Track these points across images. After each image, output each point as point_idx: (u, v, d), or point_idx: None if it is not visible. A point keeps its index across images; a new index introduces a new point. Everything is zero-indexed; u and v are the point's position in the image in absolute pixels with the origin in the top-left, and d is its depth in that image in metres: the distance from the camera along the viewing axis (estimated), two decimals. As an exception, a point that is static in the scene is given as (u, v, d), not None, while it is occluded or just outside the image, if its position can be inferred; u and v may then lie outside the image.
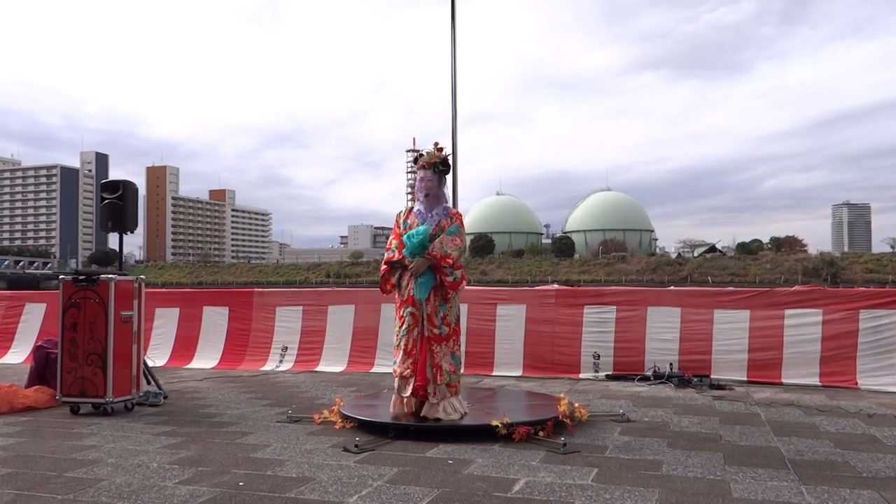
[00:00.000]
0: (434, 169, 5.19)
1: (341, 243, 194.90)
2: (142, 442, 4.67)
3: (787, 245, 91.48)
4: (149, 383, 6.46)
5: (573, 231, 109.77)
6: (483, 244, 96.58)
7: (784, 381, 7.02)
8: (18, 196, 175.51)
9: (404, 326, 5.05)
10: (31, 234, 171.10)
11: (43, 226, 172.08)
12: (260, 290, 9.61)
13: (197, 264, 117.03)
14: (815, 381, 6.94)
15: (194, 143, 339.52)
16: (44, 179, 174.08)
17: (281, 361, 8.60)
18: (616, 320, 7.75)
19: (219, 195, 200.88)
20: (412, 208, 5.29)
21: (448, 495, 3.43)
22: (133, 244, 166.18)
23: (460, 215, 5.30)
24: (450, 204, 5.32)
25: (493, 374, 7.82)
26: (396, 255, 5.10)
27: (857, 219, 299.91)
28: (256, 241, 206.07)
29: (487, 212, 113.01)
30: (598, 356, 7.64)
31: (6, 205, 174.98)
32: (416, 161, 5.28)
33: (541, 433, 4.62)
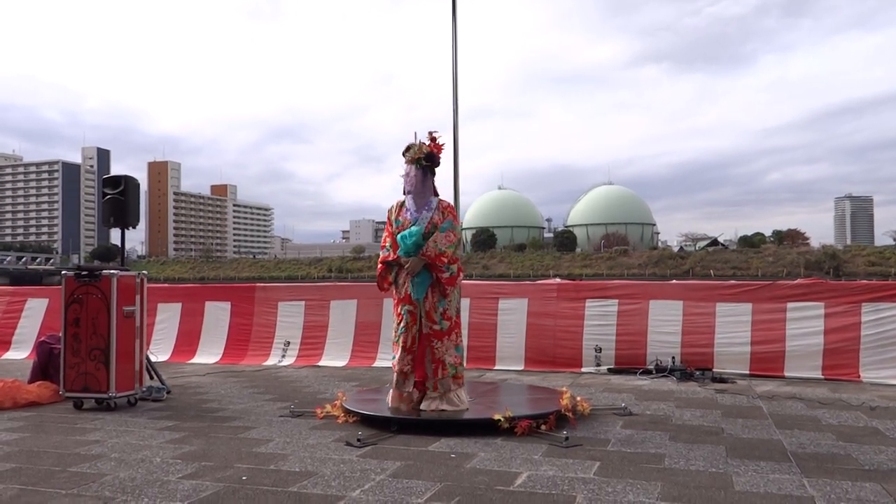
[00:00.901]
0: (418, 165, 5.14)
1: (343, 238, 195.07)
2: (145, 437, 4.68)
3: (790, 238, 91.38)
4: (151, 378, 6.47)
5: (575, 225, 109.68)
6: (485, 238, 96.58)
7: (786, 374, 7.02)
8: (20, 192, 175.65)
9: (402, 324, 5.08)
10: (33, 230, 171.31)
11: (45, 221, 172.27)
12: (262, 284, 9.61)
13: (199, 259, 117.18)
14: (818, 374, 6.94)
15: (195, 139, 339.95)
16: (45, 175, 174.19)
17: (283, 356, 8.61)
18: (618, 314, 7.75)
19: (220, 190, 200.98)
20: (403, 203, 5.26)
21: (450, 489, 3.44)
22: (135, 239, 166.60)
23: (453, 208, 5.28)
24: (440, 196, 5.27)
25: (495, 368, 7.83)
26: (392, 254, 5.12)
27: (859, 212, 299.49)
28: (258, 237, 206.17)
29: (489, 206, 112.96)
30: (600, 350, 7.65)
31: (8, 200, 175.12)
32: (404, 154, 5.20)
33: (543, 427, 4.63)
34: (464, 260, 5.30)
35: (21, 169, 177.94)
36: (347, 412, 5.08)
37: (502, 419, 4.59)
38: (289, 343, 8.68)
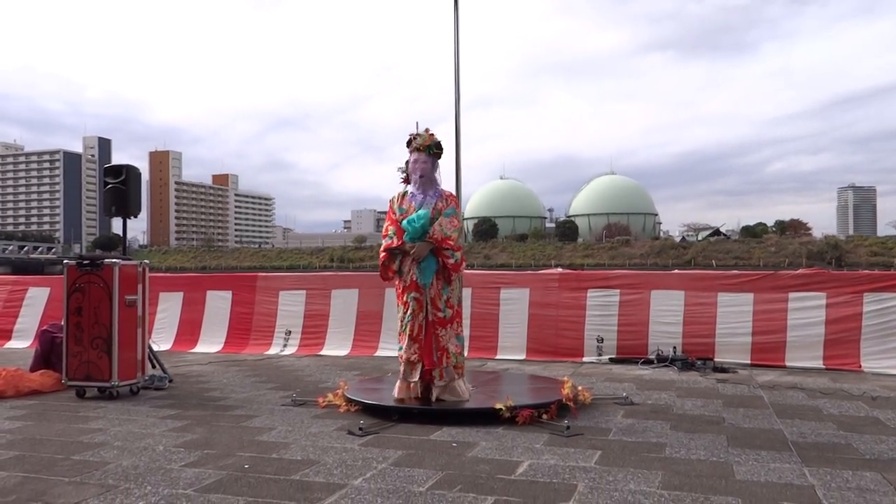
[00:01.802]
0: (428, 152, 5.17)
1: (344, 228, 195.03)
2: (148, 425, 4.70)
3: (792, 228, 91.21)
4: (154, 367, 6.49)
5: (577, 215, 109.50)
6: (486, 228, 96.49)
7: (788, 364, 7.03)
8: (22, 181, 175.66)
9: (409, 312, 5.05)
10: (34, 220, 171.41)
11: (47, 211, 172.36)
12: (263, 274, 9.62)
13: (200, 249, 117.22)
14: (819, 364, 6.95)
15: (197, 128, 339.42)
16: (47, 164, 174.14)
17: (285, 345, 8.63)
18: (619, 304, 7.75)
19: (222, 180, 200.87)
20: (405, 192, 5.26)
21: (452, 477, 3.45)
22: (137, 229, 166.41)
23: (455, 197, 5.30)
24: (443, 186, 5.29)
25: (497, 357, 7.85)
26: (396, 241, 5.09)
27: (862, 202, 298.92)
28: (260, 226, 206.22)
29: (491, 196, 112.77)
30: (602, 340, 7.66)
31: (10, 190, 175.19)
32: (408, 144, 5.23)
33: (544, 416, 4.64)
34: (465, 250, 5.30)
35: (22, 158, 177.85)
36: (349, 401, 5.10)
37: (504, 408, 4.61)
38: (290, 332, 8.70)
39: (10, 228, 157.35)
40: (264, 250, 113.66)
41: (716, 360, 7.09)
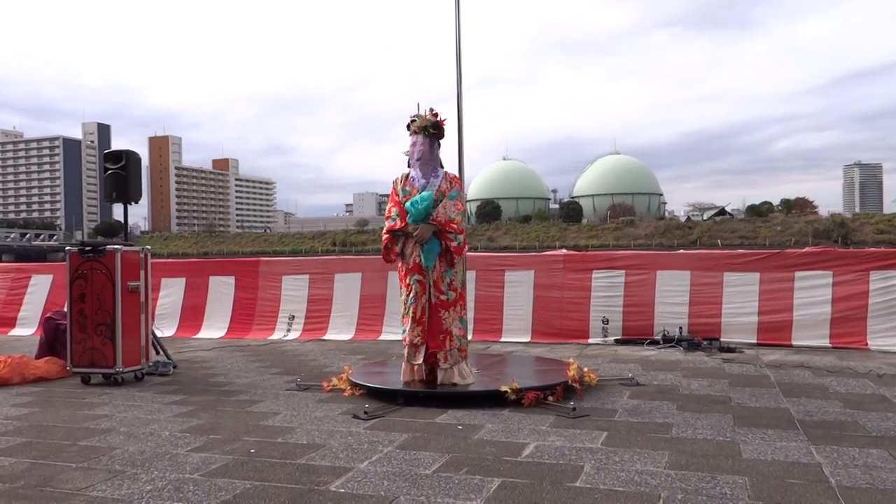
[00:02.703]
0: (425, 133, 5.15)
1: (346, 211, 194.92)
2: (153, 411, 4.73)
3: (798, 207, 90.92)
4: (158, 353, 6.52)
5: (581, 196, 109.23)
6: (489, 210, 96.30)
7: (794, 343, 7.04)
8: (22, 168, 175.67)
9: (412, 294, 5.06)
10: (35, 207, 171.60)
11: (47, 198, 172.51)
12: (266, 259, 9.64)
13: (202, 234, 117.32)
14: (826, 342, 6.96)
15: (195, 113, 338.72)
16: (46, 151, 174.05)
17: (288, 330, 8.66)
18: (625, 285, 7.76)
19: (222, 164, 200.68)
20: (408, 174, 5.25)
21: (458, 460, 3.48)
22: (138, 215, 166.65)
23: (459, 179, 5.28)
24: (445, 168, 5.27)
25: (502, 340, 7.86)
26: (399, 223, 5.09)
27: (868, 179, 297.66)
28: (261, 211, 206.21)
29: (494, 177, 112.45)
30: (607, 321, 7.67)
31: (10, 177, 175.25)
32: (408, 126, 5.23)
33: (550, 398, 4.66)
34: (469, 232, 5.31)
35: (22, 145, 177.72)
36: (354, 385, 5.12)
37: (509, 391, 4.62)
38: (294, 317, 8.73)
39: (12, 216, 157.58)
40: (266, 235, 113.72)
41: (722, 339, 7.10)
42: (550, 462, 3.42)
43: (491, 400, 4.66)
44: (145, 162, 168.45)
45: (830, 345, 6.91)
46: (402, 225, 5.06)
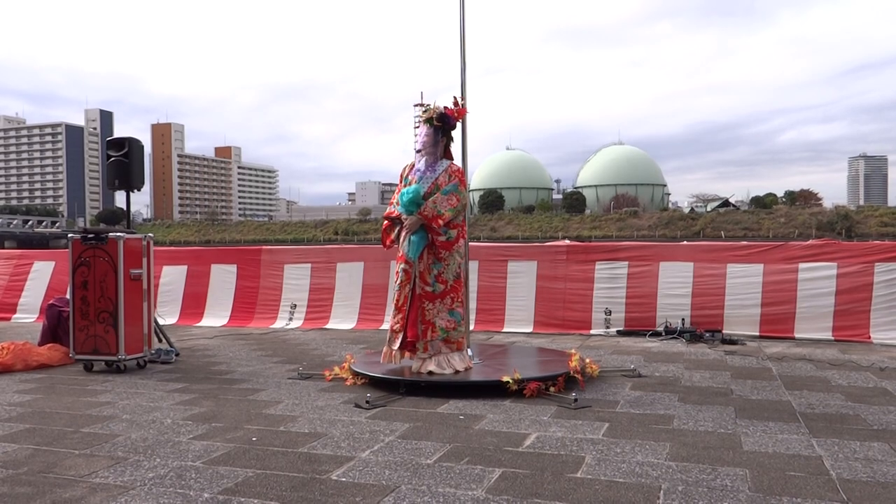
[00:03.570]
0: (430, 124, 5.17)
1: (349, 200, 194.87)
2: (155, 398, 4.76)
3: (802, 199, 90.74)
4: (160, 341, 6.54)
5: (584, 186, 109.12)
6: (492, 200, 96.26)
7: (797, 335, 7.05)
8: (24, 155, 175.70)
9: (398, 282, 5.19)
10: (38, 194, 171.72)
11: (50, 185, 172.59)
12: (268, 247, 9.65)
13: (204, 222, 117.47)
14: (828, 335, 6.96)
15: (199, 101, 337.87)
16: (49, 138, 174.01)
17: (290, 319, 8.68)
18: (628, 276, 7.76)
19: (224, 152, 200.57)
20: (414, 164, 5.30)
21: (459, 450, 3.49)
22: (140, 202, 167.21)
23: (461, 172, 5.27)
24: (452, 160, 5.28)
25: (504, 330, 7.88)
26: (396, 210, 5.17)
27: (873, 171, 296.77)
28: (263, 199, 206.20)
29: (497, 167, 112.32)
30: (610, 312, 7.68)
31: (13, 164, 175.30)
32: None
33: (552, 389, 4.67)
34: (471, 222, 5.34)
35: (24, 132, 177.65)
36: (356, 374, 5.14)
37: (511, 381, 4.64)
38: (295, 306, 8.75)
39: (14, 202, 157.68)
40: (266, 223, 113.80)
41: (724, 331, 7.10)
42: (552, 453, 3.43)
43: (493, 390, 4.67)
44: (148, 149, 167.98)
45: (833, 338, 6.92)
46: (398, 213, 5.12)
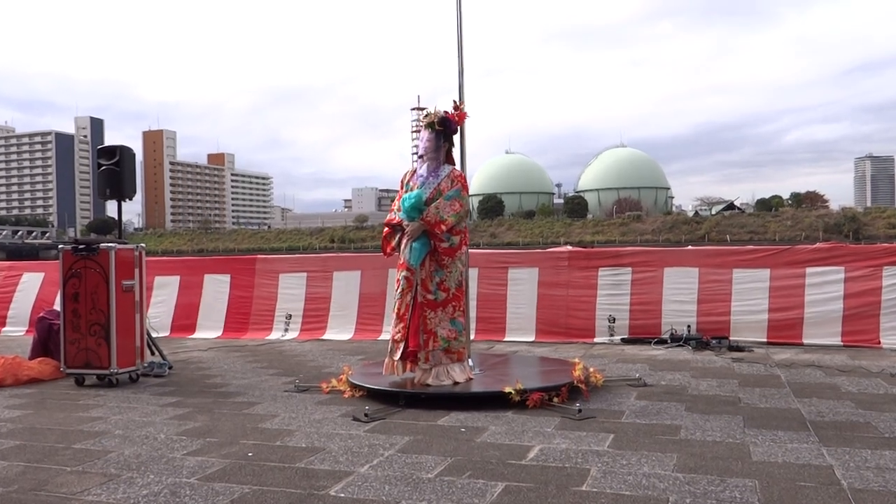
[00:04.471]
0: (431, 128, 5.18)
1: (345, 207, 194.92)
2: (148, 413, 4.74)
3: (808, 201, 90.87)
4: (153, 354, 6.53)
5: (586, 190, 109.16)
6: (492, 205, 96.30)
7: (805, 341, 7.04)
8: (14, 164, 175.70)
9: (398, 290, 5.16)
10: (28, 203, 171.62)
11: (40, 194, 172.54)
12: (262, 256, 9.65)
13: (197, 231, 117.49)
14: (837, 340, 6.95)
15: (191, 107, 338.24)
16: (39, 146, 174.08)
17: (286, 330, 8.67)
18: (632, 282, 7.75)
19: (217, 159, 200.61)
20: (415, 169, 5.30)
21: (461, 463, 3.48)
22: (132, 211, 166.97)
23: (463, 177, 5.27)
24: (454, 165, 5.29)
25: (505, 339, 7.87)
26: (396, 217, 5.19)
27: (880, 172, 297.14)
28: (258, 207, 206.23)
29: (496, 171, 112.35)
30: (614, 320, 7.67)
31: (2, 173, 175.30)
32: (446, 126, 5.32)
33: (555, 399, 4.66)
34: (471, 228, 5.33)
35: (14, 140, 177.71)
36: (354, 386, 5.13)
37: (513, 392, 4.63)
38: (291, 316, 8.74)
39: (3, 212, 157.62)
40: (261, 231, 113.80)
41: (731, 338, 7.09)
42: (556, 465, 3.42)
43: (494, 401, 4.66)
44: (139, 157, 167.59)
45: (842, 343, 6.91)
46: (400, 220, 5.12)
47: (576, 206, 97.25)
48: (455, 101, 5.30)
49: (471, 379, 5.12)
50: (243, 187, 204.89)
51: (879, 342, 6.80)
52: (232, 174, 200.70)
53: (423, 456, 3.61)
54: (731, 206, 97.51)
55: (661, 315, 7.55)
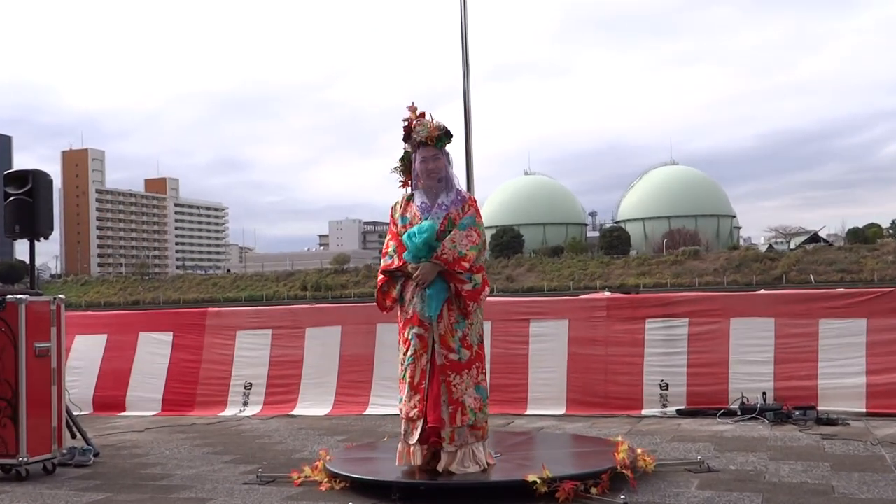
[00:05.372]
0: (439, 144, 5.20)
1: (320, 245, 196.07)
2: (67, 514, 4.72)
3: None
4: (74, 437, 6.52)
5: (628, 220, 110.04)
6: (508, 241, 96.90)
7: (916, 412, 7.02)
8: None
9: (410, 353, 5.07)
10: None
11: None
12: (215, 309, 9.67)
13: (131, 278, 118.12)
14: (958, 410, 6.92)
15: (124, 119, 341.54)
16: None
17: (245, 404, 8.66)
18: (689, 337, 7.76)
19: (158, 185, 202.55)
20: (410, 197, 5.29)
21: (473, 575, 3.45)
22: (48, 253, 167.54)
23: (475, 201, 5.31)
24: (455, 187, 5.30)
25: (528, 413, 7.86)
26: (396, 260, 5.11)
27: None
28: (209, 246, 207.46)
29: (513, 197, 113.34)
30: (667, 386, 7.66)
31: None
32: (407, 137, 5.26)
33: (593, 490, 4.64)
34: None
35: None
36: (333, 476, 5.11)
37: (539, 481, 4.60)
38: (251, 385, 8.74)
39: None
40: (211, 277, 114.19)
41: (819, 408, 7.07)
42: (596, 577, 3.39)
43: (515, 493, 4.64)
44: (58, 184, 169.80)
45: (964, 413, 6.88)
46: (401, 263, 5.08)
47: (615, 239, 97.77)
48: (421, 112, 5.25)
49: (490, 464, 5.09)
50: (190, 221, 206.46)
51: None
52: (176, 204, 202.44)
53: (422, 567, 3.59)
54: (814, 237, 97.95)
55: (728, 379, 7.54)
